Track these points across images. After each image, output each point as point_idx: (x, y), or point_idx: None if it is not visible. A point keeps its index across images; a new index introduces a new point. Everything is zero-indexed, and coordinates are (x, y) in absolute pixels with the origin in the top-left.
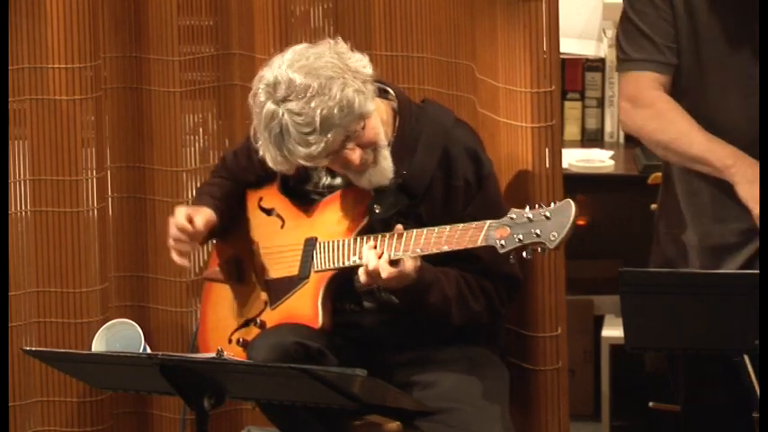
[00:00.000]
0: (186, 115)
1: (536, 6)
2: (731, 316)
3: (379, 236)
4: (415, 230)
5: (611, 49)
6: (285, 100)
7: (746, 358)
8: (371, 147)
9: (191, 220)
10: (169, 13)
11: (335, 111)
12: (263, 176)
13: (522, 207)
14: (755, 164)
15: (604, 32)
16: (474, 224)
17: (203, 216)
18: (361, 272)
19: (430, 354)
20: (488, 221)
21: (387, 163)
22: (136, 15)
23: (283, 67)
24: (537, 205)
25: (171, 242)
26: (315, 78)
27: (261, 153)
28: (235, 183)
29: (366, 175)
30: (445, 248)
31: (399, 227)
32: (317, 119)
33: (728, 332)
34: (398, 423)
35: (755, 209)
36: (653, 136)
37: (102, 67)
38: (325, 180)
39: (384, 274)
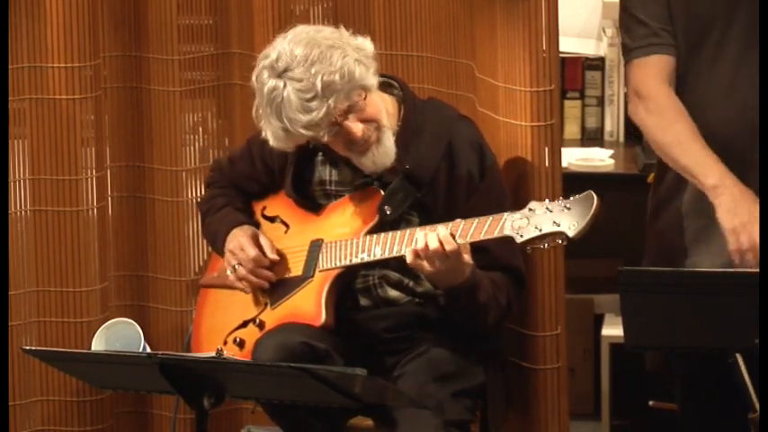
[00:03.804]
0: (186, 114)
1: (535, 5)
2: (731, 315)
3: (390, 233)
4: (428, 226)
5: (610, 48)
6: (287, 70)
7: (740, 359)
8: (373, 124)
9: (262, 250)
10: (169, 13)
11: (336, 77)
12: (268, 184)
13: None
14: (744, 191)
15: (604, 31)
16: (491, 216)
17: (263, 239)
18: (409, 252)
19: (417, 351)
20: (506, 213)
21: (390, 143)
22: (135, 14)
23: (284, 43)
24: (558, 199)
25: (251, 277)
26: (315, 47)
27: (263, 134)
28: (240, 192)
29: (369, 154)
30: (460, 241)
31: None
32: (319, 84)
33: (729, 331)
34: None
35: (732, 240)
36: (651, 132)
37: (102, 66)
38: (329, 174)
39: (448, 247)
